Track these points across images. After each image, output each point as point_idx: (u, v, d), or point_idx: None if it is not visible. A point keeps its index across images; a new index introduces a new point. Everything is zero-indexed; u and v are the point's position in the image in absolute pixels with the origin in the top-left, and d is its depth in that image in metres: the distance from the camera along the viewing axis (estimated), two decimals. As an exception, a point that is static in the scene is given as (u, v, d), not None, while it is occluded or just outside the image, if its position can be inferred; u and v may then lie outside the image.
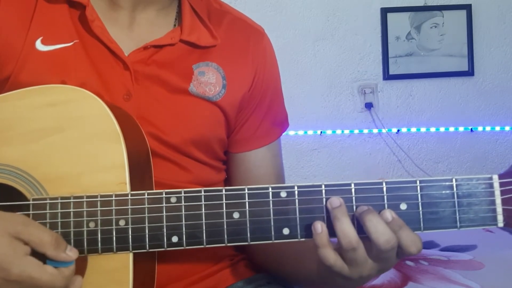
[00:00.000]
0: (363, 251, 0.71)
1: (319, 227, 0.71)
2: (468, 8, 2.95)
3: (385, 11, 2.91)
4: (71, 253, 0.71)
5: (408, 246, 0.70)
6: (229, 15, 0.98)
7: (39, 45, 0.86)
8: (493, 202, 0.71)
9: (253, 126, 0.97)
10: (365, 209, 0.71)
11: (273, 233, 0.73)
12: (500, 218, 0.71)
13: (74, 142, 0.77)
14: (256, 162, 0.98)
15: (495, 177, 0.71)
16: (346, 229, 0.70)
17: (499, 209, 0.71)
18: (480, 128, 3.01)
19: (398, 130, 2.97)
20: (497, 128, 3.01)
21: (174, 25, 0.93)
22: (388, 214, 0.70)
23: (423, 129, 2.98)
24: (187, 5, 0.94)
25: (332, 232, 0.71)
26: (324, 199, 0.72)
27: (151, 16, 0.92)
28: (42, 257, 0.70)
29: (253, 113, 0.97)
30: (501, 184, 0.71)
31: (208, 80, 0.91)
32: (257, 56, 0.97)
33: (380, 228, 0.69)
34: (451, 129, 3.00)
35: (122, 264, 0.75)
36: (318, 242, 0.71)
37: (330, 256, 0.71)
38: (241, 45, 0.96)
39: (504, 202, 0.71)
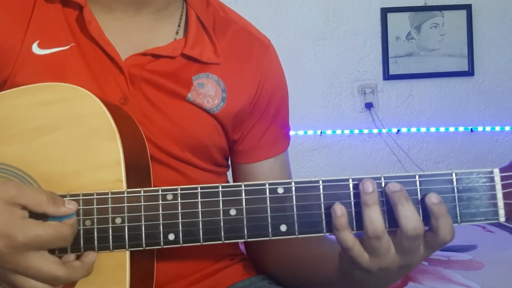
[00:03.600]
0: (387, 240, 0.70)
1: (339, 210, 0.70)
2: (468, 8, 2.95)
3: (385, 11, 2.91)
4: (71, 205, 0.71)
5: (445, 234, 0.69)
6: (235, 25, 0.97)
7: (35, 49, 0.85)
8: (494, 197, 0.70)
9: (256, 136, 0.97)
10: (397, 189, 0.70)
11: (270, 230, 0.72)
12: (501, 212, 0.70)
13: (70, 140, 0.77)
14: (264, 174, 0.97)
15: (496, 171, 0.70)
16: (374, 216, 0.69)
17: (501, 203, 0.70)
18: (480, 128, 3.01)
19: (398, 130, 2.97)
20: (497, 128, 3.01)
21: (176, 33, 0.92)
22: (437, 196, 0.69)
23: (423, 129, 2.98)
24: (194, 16, 0.92)
25: (329, 228, 0.71)
26: (321, 195, 0.71)
27: (147, 20, 0.90)
28: (42, 219, 0.70)
29: (256, 124, 0.96)
30: (502, 178, 0.70)
31: (207, 92, 0.90)
32: (261, 68, 0.96)
33: (411, 214, 0.68)
34: (451, 129, 2.99)
35: (119, 262, 0.74)
36: (337, 225, 0.70)
37: (349, 239, 0.70)
38: (244, 56, 0.95)
39: (505, 196, 0.70)
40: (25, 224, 0.67)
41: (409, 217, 0.68)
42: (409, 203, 0.69)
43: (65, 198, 0.74)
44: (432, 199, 0.69)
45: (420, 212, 0.70)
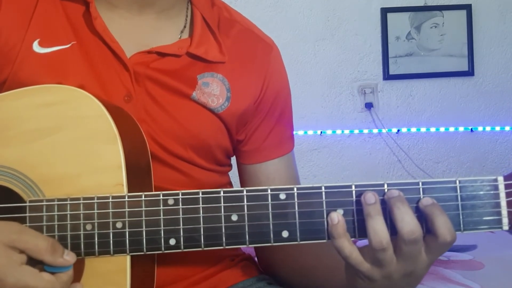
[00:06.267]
0: (392, 251, 0.69)
1: (335, 217, 0.69)
2: (468, 8, 2.94)
3: (385, 11, 2.90)
4: (69, 257, 0.71)
5: (444, 234, 0.67)
6: (238, 25, 0.97)
7: (36, 47, 0.85)
8: (498, 205, 0.69)
9: (261, 137, 0.96)
10: (395, 195, 0.69)
11: (272, 236, 0.71)
12: (505, 221, 0.69)
13: (70, 143, 0.76)
14: (270, 175, 0.97)
15: (500, 179, 0.70)
16: (379, 228, 0.68)
17: (504, 211, 0.69)
18: (480, 128, 3.00)
19: (398, 130, 2.96)
20: (497, 128, 3.01)
21: (181, 32, 0.92)
22: (429, 198, 0.69)
23: (423, 129, 2.97)
24: (199, 16, 0.92)
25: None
26: (324, 202, 0.71)
27: (150, 19, 0.90)
28: (39, 264, 0.69)
29: (261, 125, 0.96)
30: (506, 186, 0.69)
31: (212, 91, 0.90)
32: (265, 69, 0.96)
33: (407, 217, 0.67)
34: (451, 129, 2.99)
35: (120, 267, 0.74)
36: (334, 233, 0.69)
37: (345, 246, 0.69)
38: (248, 57, 0.95)
39: (509, 204, 0.69)
40: (18, 271, 0.67)
41: (405, 220, 0.67)
42: (404, 206, 0.68)
43: (65, 202, 0.74)
44: (424, 202, 0.69)
45: (423, 220, 0.69)
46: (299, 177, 1.02)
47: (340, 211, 0.71)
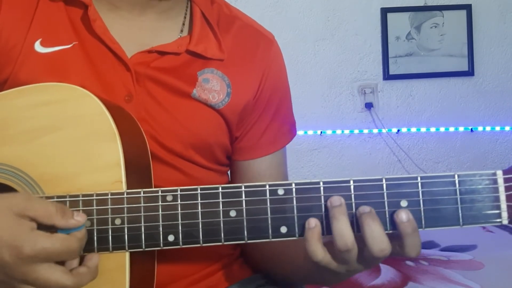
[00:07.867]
0: (356, 252, 0.69)
1: (313, 222, 0.70)
2: (468, 8, 2.94)
3: (385, 11, 2.91)
4: (79, 218, 0.70)
5: (409, 252, 0.69)
6: (239, 21, 0.97)
7: (38, 47, 0.85)
8: (497, 199, 0.69)
9: (257, 133, 0.96)
10: (366, 211, 0.69)
11: (270, 231, 0.71)
12: (504, 215, 0.69)
13: (70, 141, 0.76)
14: (261, 171, 0.97)
15: (499, 173, 0.69)
16: (344, 229, 0.68)
17: (504, 205, 0.69)
18: (480, 128, 3.01)
19: (398, 130, 2.97)
20: (497, 128, 3.01)
21: (181, 30, 0.92)
22: (404, 215, 0.68)
23: (423, 129, 2.98)
24: (199, 13, 0.92)
25: (329, 231, 0.70)
26: (322, 197, 0.71)
27: (151, 19, 0.90)
28: (50, 231, 0.69)
29: (257, 121, 0.96)
30: (506, 180, 0.68)
31: (212, 87, 0.90)
32: (265, 64, 0.96)
33: (378, 235, 0.67)
34: (451, 129, 2.99)
35: (119, 264, 0.74)
36: (309, 237, 0.69)
37: (319, 252, 0.70)
38: (248, 52, 0.95)
39: (508, 198, 0.68)
40: (32, 236, 0.67)
41: (376, 238, 0.67)
42: (375, 223, 0.68)
43: (65, 199, 0.74)
44: (401, 217, 0.68)
45: (422, 214, 0.70)
46: (287, 174, 1.02)
47: None
